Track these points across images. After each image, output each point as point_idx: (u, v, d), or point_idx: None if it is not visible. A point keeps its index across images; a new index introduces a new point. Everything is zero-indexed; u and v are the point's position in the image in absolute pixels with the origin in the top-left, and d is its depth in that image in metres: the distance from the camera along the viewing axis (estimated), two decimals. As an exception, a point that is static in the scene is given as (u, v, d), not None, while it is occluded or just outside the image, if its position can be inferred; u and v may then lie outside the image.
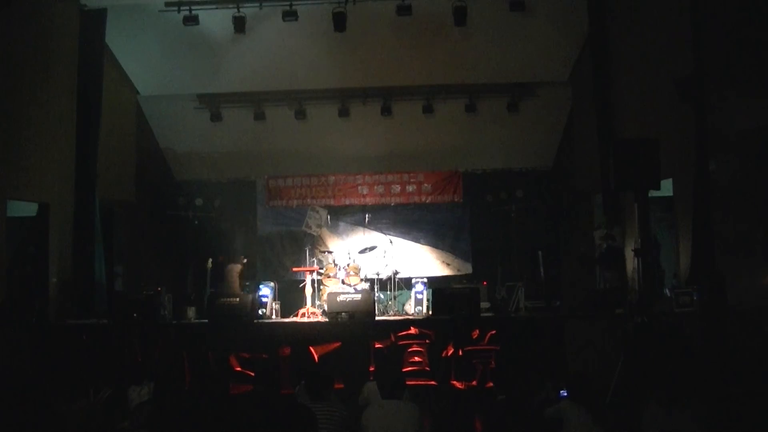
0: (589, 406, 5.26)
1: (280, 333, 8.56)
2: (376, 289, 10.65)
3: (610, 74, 10.71)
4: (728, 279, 7.63)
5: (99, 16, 10.64)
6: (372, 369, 8.07)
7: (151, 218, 13.03)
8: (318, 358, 8.19)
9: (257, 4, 10.84)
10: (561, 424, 5.25)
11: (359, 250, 11.41)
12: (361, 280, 10.63)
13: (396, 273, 11.09)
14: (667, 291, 8.77)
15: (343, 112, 12.93)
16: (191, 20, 10.74)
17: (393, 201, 13.59)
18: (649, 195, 8.22)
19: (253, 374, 8.14)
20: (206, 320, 9.00)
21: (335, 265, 10.70)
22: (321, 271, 10.72)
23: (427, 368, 8.17)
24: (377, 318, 9.19)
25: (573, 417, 5.20)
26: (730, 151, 7.81)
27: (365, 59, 11.91)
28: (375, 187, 13.62)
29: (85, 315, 9.52)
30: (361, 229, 13.33)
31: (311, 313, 9.71)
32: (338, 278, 10.49)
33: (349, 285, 10.35)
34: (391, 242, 11.69)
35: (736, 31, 7.76)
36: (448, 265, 13.44)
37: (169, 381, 7.47)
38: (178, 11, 10.76)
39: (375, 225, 13.29)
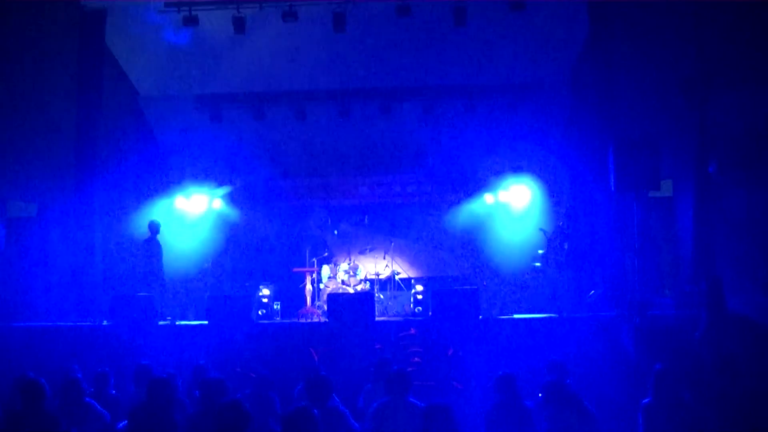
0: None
1: (280, 333, 8.56)
2: (376, 289, 10.65)
3: (610, 74, 10.69)
4: (727, 279, 7.64)
5: (99, 17, 10.65)
6: (372, 369, 8.06)
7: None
8: (318, 358, 8.19)
9: (257, 5, 10.83)
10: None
11: (359, 250, 11.40)
12: (361, 280, 10.62)
13: (396, 273, 11.08)
14: (667, 291, 8.77)
15: (343, 112, 12.93)
16: (191, 20, 10.74)
17: (393, 201, 13.57)
18: (649, 195, 8.25)
19: (253, 374, 8.12)
20: (206, 320, 9.01)
21: (335, 265, 10.70)
22: (321, 271, 10.71)
23: (427, 368, 8.18)
24: (377, 318, 9.19)
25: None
26: (730, 151, 7.81)
27: (365, 59, 11.89)
28: (375, 188, 13.61)
29: (85, 315, 9.51)
30: (361, 229, 13.32)
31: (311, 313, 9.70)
32: (338, 278, 10.48)
33: (349, 285, 10.34)
34: (391, 242, 11.68)
35: (737, 32, 7.76)
36: (448, 265, 13.41)
37: (163, 381, 7.45)
38: (178, 11, 10.75)
39: (375, 225, 13.28)
